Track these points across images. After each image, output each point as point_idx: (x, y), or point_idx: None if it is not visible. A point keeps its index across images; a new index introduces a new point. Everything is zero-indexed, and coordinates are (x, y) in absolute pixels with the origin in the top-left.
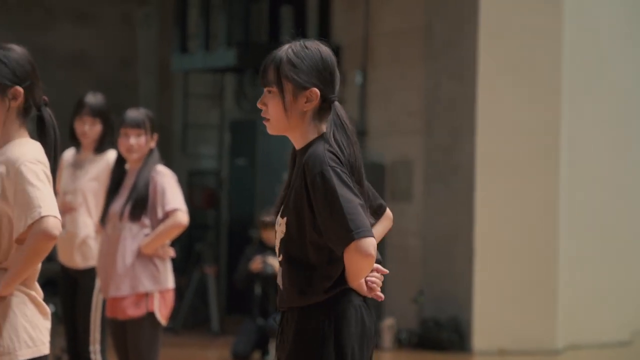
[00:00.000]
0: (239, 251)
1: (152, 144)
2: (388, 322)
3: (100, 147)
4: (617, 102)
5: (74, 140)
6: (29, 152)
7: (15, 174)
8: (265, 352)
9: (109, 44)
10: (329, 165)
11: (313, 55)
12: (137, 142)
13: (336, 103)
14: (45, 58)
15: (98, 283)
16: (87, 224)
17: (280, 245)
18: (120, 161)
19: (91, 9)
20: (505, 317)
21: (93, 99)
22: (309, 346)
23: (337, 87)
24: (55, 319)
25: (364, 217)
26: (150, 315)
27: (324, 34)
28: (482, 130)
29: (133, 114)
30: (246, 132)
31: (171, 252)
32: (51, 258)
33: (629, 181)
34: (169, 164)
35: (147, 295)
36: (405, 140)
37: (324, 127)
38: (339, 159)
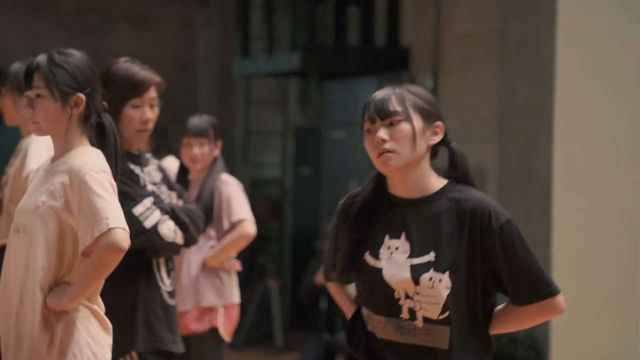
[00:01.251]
0: (303, 264)
1: (217, 152)
2: None
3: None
4: None
5: None
6: (92, 160)
7: (79, 184)
8: None
9: (167, 49)
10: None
11: (427, 91)
12: (201, 152)
13: (454, 143)
14: (102, 63)
15: None
16: None
17: (446, 302)
18: (184, 171)
19: (149, 12)
20: (585, 333)
21: None
22: None
23: None
24: None
25: None
26: (214, 331)
27: (392, 36)
28: (560, 136)
29: (195, 121)
30: (311, 140)
31: (237, 266)
32: None
33: None
34: (230, 172)
35: (211, 310)
36: (479, 148)
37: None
38: None
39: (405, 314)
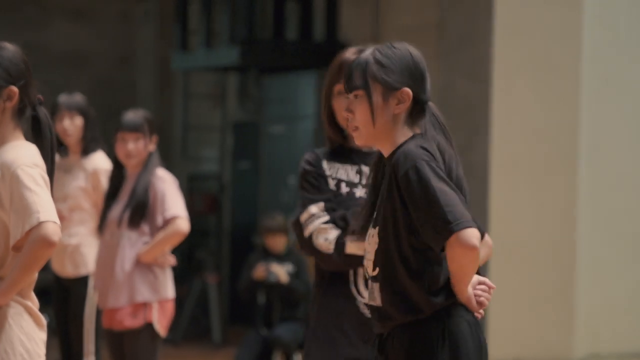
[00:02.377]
0: (241, 259)
1: (152, 147)
2: None
3: (87, 148)
4: None
5: (59, 145)
6: (25, 155)
7: (11, 179)
8: None
9: (106, 42)
10: (422, 159)
11: (403, 54)
12: (136, 147)
13: (430, 103)
14: (40, 57)
15: (91, 292)
16: (78, 231)
17: (374, 258)
18: (119, 165)
19: (88, 5)
20: (521, 325)
21: (67, 96)
22: None
23: (429, 88)
24: (49, 330)
25: (464, 209)
26: (149, 326)
27: (331, 31)
28: (498, 130)
29: (130, 116)
30: (249, 134)
31: (172, 261)
32: (45, 267)
33: None
34: (168, 167)
35: (145, 305)
36: None
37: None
38: (433, 156)
39: (366, 273)
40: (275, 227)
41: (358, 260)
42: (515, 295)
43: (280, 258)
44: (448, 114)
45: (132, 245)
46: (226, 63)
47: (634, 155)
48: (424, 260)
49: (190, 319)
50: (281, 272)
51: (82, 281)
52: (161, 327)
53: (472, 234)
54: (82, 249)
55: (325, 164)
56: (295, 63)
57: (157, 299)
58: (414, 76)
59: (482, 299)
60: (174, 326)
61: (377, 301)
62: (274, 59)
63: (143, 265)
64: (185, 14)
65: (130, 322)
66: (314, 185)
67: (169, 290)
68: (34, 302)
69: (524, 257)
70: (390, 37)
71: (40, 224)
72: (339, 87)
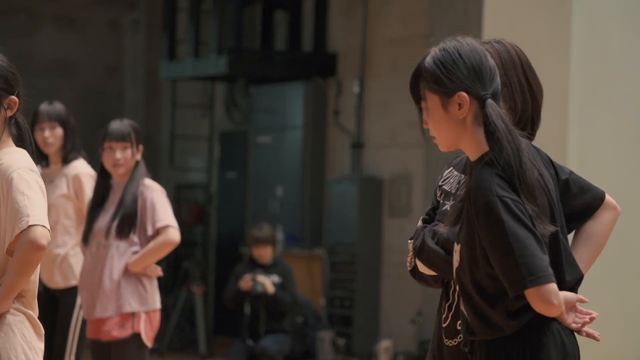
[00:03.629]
0: (228, 269)
1: (138, 156)
2: (385, 344)
3: (67, 157)
4: (630, 112)
5: (40, 155)
6: (21, 160)
7: (6, 183)
8: None
9: (94, 51)
10: (497, 196)
11: (451, 56)
12: (123, 156)
13: (488, 102)
14: (28, 65)
15: (78, 302)
16: (65, 241)
17: (455, 275)
18: (104, 175)
19: (76, 14)
20: None
21: (48, 105)
22: None
23: (493, 81)
24: None
25: (540, 258)
26: (136, 337)
27: (319, 41)
28: None
29: (117, 125)
30: (237, 144)
31: (159, 271)
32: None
33: None
34: (155, 177)
35: (133, 316)
36: (405, 153)
37: None
38: (508, 183)
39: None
40: (262, 238)
41: (433, 278)
42: None
43: (267, 268)
44: None
45: (121, 255)
46: (214, 73)
47: (623, 166)
48: (500, 287)
49: (176, 329)
50: (267, 282)
51: (72, 291)
52: (147, 337)
53: (548, 291)
54: (70, 259)
55: (446, 172)
56: (283, 73)
57: (144, 310)
58: (466, 76)
59: (577, 327)
60: (159, 336)
61: (466, 313)
62: (262, 69)
63: (131, 275)
64: (174, 23)
65: (118, 332)
66: (432, 198)
67: (157, 301)
68: (35, 312)
69: None
70: (378, 48)
71: (29, 227)
72: None
